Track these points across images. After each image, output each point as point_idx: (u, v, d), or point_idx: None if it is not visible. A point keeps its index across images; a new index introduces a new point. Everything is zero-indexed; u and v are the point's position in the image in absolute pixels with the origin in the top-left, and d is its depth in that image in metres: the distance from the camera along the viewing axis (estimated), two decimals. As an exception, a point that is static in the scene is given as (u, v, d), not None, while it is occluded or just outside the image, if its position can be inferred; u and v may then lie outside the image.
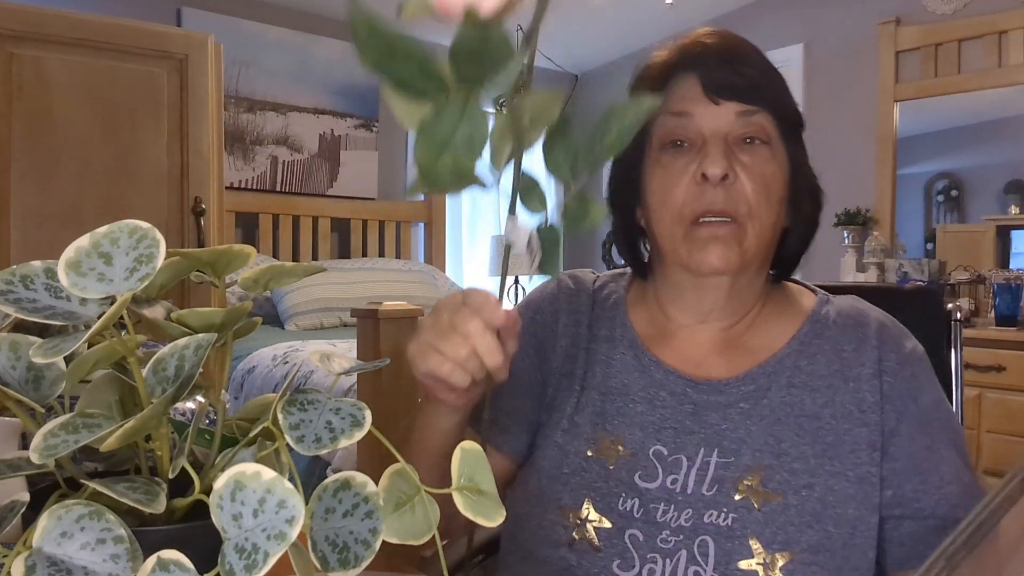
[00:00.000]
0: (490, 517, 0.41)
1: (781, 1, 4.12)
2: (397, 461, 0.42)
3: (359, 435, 0.40)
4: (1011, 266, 3.16)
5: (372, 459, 1.65)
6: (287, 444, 0.41)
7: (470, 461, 0.42)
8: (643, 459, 0.78)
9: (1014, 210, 3.20)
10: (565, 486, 0.79)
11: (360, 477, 0.41)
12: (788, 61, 4.08)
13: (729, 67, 0.79)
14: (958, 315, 1.04)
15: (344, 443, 0.39)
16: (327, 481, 0.41)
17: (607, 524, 0.76)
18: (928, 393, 0.79)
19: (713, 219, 0.77)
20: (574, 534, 0.77)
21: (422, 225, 4.49)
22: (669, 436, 0.79)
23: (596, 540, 0.76)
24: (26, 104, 2.24)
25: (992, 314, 2.90)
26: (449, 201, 4.52)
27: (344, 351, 2.60)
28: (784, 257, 0.86)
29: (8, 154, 2.23)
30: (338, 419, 0.41)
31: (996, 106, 3.21)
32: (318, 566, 0.38)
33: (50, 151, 2.28)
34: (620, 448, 0.79)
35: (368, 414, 0.42)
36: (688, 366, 0.83)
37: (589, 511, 0.77)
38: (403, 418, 1.70)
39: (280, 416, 0.40)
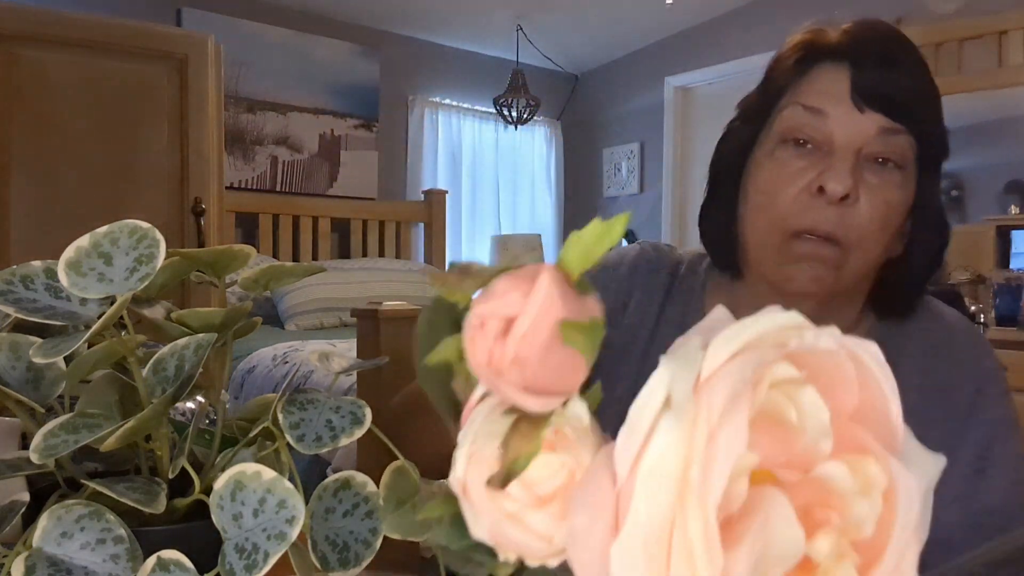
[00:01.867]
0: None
1: (781, 1, 4.11)
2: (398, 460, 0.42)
3: (359, 432, 0.40)
4: (1011, 266, 3.16)
5: (372, 459, 1.64)
6: (287, 444, 0.41)
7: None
8: None
9: (1014, 210, 3.19)
10: None
11: (360, 477, 0.41)
12: (788, 61, 4.07)
13: (886, 71, 0.68)
14: (981, 318, 1.01)
15: (344, 441, 0.39)
16: (327, 481, 0.41)
17: None
18: (991, 411, 0.71)
19: (815, 237, 0.67)
20: None
21: (422, 225, 4.49)
22: None
23: None
24: (26, 104, 2.24)
25: (992, 314, 2.90)
26: (449, 201, 4.52)
27: (344, 351, 2.60)
28: (897, 291, 0.75)
29: (8, 154, 2.22)
30: (338, 417, 0.41)
31: (996, 106, 3.21)
32: (318, 566, 0.38)
33: (50, 151, 2.27)
34: None
35: (368, 412, 0.41)
36: None
37: None
38: (403, 415, 1.69)
39: (280, 416, 0.40)
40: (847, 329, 0.79)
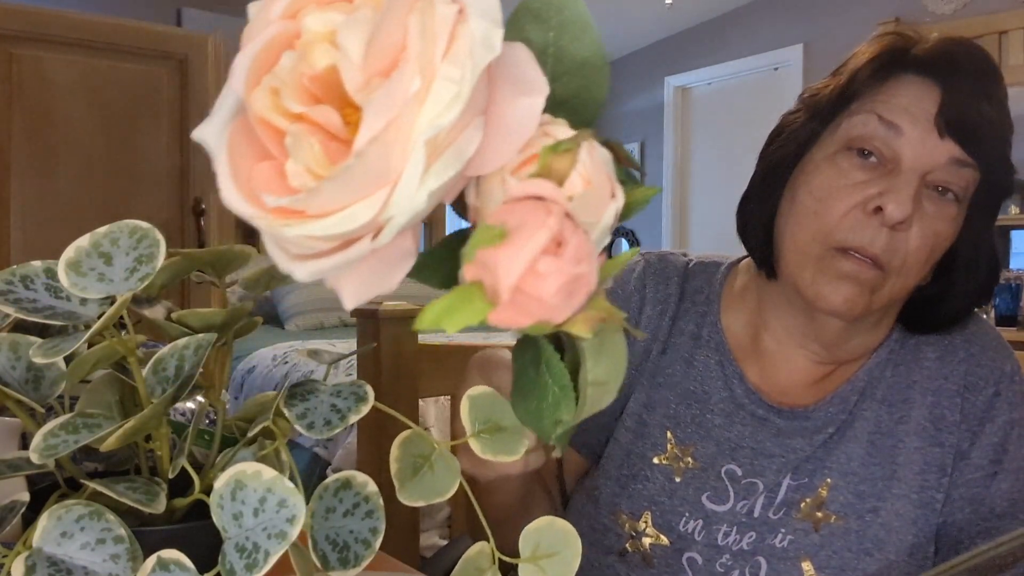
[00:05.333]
0: (512, 450, 0.40)
1: (781, 1, 4.11)
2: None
3: (365, 409, 0.40)
4: (1011, 266, 3.16)
5: (372, 458, 1.65)
6: (289, 439, 0.41)
7: (483, 405, 0.41)
8: (713, 477, 0.71)
9: (1014, 210, 3.19)
10: (624, 490, 0.73)
11: (361, 477, 0.41)
12: (788, 61, 4.07)
13: (976, 100, 0.64)
14: (983, 316, 1.00)
15: (353, 419, 0.40)
16: (328, 480, 0.41)
17: (664, 542, 0.70)
18: (1007, 412, 0.71)
19: (860, 257, 0.64)
20: (627, 545, 0.71)
21: (422, 225, 4.49)
22: (746, 456, 0.71)
23: (651, 555, 0.70)
24: (26, 104, 2.24)
25: (992, 314, 2.90)
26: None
27: (344, 351, 2.60)
28: (930, 318, 0.73)
29: (8, 154, 2.23)
30: (341, 400, 0.41)
31: (996, 106, 3.21)
32: (318, 565, 0.38)
33: (50, 151, 2.28)
34: (689, 460, 0.72)
35: (370, 389, 0.42)
36: (773, 390, 0.74)
37: (647, 525, 0.71)
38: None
39: (285, 410, 0.40)
40: (873, 346, 0.75)
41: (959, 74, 0.65)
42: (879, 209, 0.63)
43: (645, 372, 0.76)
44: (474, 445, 0.41)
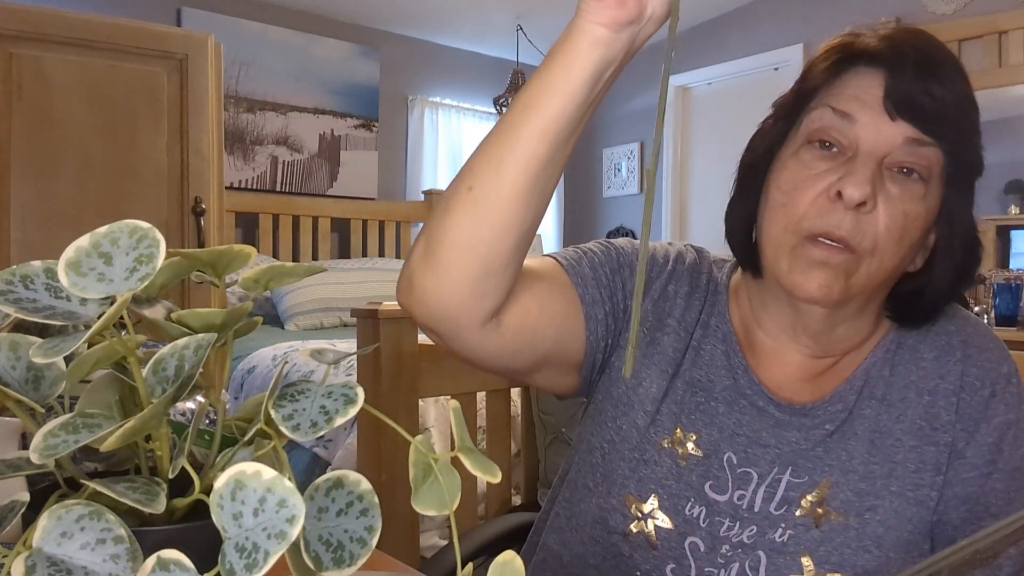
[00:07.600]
0: (492, 472, 0.41)
1: (781, 1, 4.11)
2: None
3: (353, 411, 0.40)
4: (1011, 266, 3.16)
5: (372, 459, 1.65)
6: (286, 439, 0.41)
7: (458, 422, 0.42)
8: (715, 465, 0.73)
9: (1014, 210, 3.20)
10: (635, 472, 0.74)
11: (353, 476, 0.41)
12: (788, 61, 4.07)
13: (923, 81, 0.66)
14: (985, 318, 1.01)
15: (340, 421, 0.39)
16: (318, 480, 0.41)
17: (668, 524, 0.72)
18: (1003, 414, 0.72)
19: (829, 243, 0.67)
20: (632, 526, 0.73)
21: (422, 225, 4.49)
22: (741, 444, 0.73)
23: (655, 537, 0.72)
24: (26, 104, 2.24)
25: (992, 314, 2.90)
26: (449, 201, 4.52)
27: (344, 351, 2.60)
28: (917, 304, 0.74)
29: (8, 154, 2.22)
30: (331, 402, 0.41)
31: (996, 106, 3.21)
32: (311, 566, 0.38)
33: (50, 151, 2.27)
34: (691, 446, 0.74)
35: (360, 391, 0.41)
36: (771, 383, 0.76)
37: (654, 507, 0.73)
38: (403, 419, 1.69)
39: (272, 412, 0.40)
40: (863, 336, 0.78)
41: (903, 59, 0.67)
42: (840, 194, 0.66)
43: (667, 359, 0.78)
44: (464, 460, 0.41)
